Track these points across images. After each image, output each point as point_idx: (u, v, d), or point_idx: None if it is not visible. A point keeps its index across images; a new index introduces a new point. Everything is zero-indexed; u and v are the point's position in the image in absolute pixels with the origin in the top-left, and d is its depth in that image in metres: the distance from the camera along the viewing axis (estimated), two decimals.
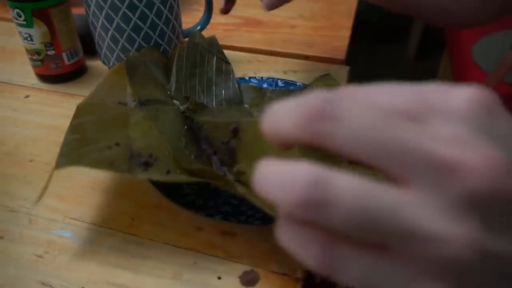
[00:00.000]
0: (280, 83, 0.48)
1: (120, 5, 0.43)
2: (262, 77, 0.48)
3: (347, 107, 0.14)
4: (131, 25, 0.44)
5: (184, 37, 0.52)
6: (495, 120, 0.14)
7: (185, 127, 0.38)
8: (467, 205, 0.13)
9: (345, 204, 0.13)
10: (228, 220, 0.33)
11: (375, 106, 0.14)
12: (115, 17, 0.44)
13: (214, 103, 0.44)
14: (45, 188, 0.30)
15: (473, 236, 0.13)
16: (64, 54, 0.49)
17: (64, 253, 0.31)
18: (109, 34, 0.45)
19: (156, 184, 0.33)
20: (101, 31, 0.46)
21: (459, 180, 0.13)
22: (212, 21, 0.54)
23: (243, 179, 0.33)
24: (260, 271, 0.30)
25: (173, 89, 0.43)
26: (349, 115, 0.14)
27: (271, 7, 0.41)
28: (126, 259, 0.31)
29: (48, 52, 0.48)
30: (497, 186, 0.13)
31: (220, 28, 0.64)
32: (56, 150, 0.41)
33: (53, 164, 0.39)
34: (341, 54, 0.57)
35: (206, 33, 0.56)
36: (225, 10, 0.47)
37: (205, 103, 0.43)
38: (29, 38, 0.47)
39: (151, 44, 0.46)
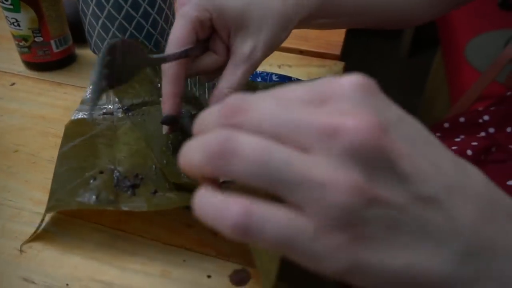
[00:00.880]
0: (274, 78, 0.47)
1: None
2: (256, 71, 0.47)
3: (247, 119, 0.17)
4: (122, 13, 0.43)
5: None
6: (373, 97, 0.17)
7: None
8: (349, 157, 0.15)
9: (246, 154, 0.16)
10: None
11: (278, 98, 0.17)
12: (106, 4, 0.42)
13: (206, 96, 0.43)
14: (36, 231, 0.31)
15: (355, 183, 0.15)
16: (52, 42, 0.48)
17: (49, 248, 0.30)
18: (100, 22, 0.44)
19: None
20: (92, 19, 0.44)
21: (341, 138, 0.15)
22: None
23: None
24: (251, 270, 0.29)
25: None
26: (253, 113, 0.17)
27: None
28: (114, 255, 0.30)
29: (36, 39, 0.47)
30: (373, 142, 0.15)
31: None
32: (43, 140, 0.40)
33: (39, 154, 0.38)
34: (337, 50, 0.56)
35: None
36: (170, 131, 0.35)
37: (197, 96, 0.42)
38: (16, 23, 0.45)
39: (143, 34, 0.45)
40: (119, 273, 0.29)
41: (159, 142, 0.35)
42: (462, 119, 0.59)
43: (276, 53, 0.56)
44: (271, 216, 0.16)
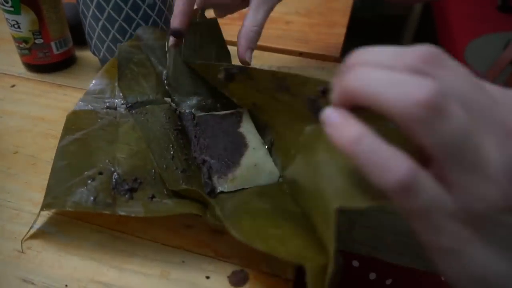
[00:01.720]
0: None
1: None
2: None
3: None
4: (122, 15, 0.43)
5: None
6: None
7: (177, 130, 0.37)
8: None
9: (455, 121, 0.17)
10: None
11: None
12: (106, 6, 0.43)
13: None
14: (32, 226, 0.31)
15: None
16: (52, 43, 0.48)
17: (48, 249, 0.30)
18: (100, 24, 0.44)
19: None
20: (92, 21, 0.44)
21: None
22: (206, 13, 0.53)
23: (234, 183, 0.33)
24: (249, 271, 0.29)
25: (170, 74, 0.42)
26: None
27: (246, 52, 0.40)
28: (112, 256, 0.30)
29: (36, 41, 0.47)
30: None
31: None
32: (42, 141, 0.40)
33: (38, 156, 0.38)
34: (336, 52, 0.56)
35: None
36: (174, 45, 0.41)
37: (201, 94, 0.42)
38: (16, 26, 0.46)
39: None
40: (118, 274, 0.29)
41: (160, 145, 0.35)
42: None
43: (275, 54, 0.56)
44: (428, 185, 0.17)
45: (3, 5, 0.44)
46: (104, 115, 0.38)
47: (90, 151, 0.34)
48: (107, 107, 0.38)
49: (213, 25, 0.45)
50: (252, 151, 0.35)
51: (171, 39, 0.40)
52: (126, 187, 0.32)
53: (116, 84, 0.40)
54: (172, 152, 0.35)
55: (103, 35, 0.45)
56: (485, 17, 1.08)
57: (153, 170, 0.33)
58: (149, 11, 0.44)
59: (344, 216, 0.24)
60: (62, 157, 0.33)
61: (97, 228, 0.32)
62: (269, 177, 0.34)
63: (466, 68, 0.19)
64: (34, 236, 0.31)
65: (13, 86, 0.48)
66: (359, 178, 0.21)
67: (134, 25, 0.44)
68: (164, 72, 0.43)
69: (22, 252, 0.30)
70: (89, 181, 0.31)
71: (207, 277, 0.29)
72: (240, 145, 0.36)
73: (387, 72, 0.18)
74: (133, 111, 0.38)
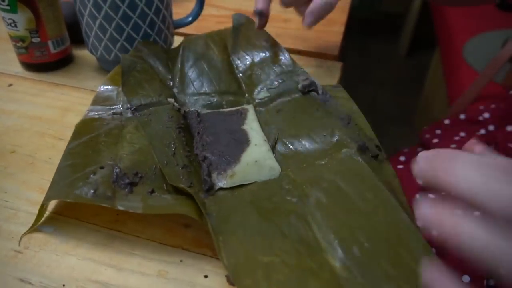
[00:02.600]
0: None
1: None
2: None
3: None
4: (119, 14, 0.43)
5: (175, 28, 0.51)
6: None
7: (180, 128, 0.37)
8: None
9: None
10: None
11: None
12: (103, 5, 0.42)
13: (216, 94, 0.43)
14: (35, 223, 0.31)
15: None
16: (50, 42, 0.48)
17: (45, 248, 0.30)
18: (97, 22, 0.44)
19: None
20: (89, 19, 0.44)
21: None
22: (204, 12, 0.53)
23: (233, 179, 0.33)
24: None
25: (177, 79, 0.43)
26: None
27: (312, 24, 0.44)
28: (110, 255, 0.30)
29: (33, 40, 0.47)
30: None
31: (212, 20, 0.63)
32: (40, 141, 0.40)
33: (36, 155, 0.38)
34: (334, 50, 0.56)
35: (198, 24, 0.54)
36: (260, 26, 0.46)
37: (208, 92, 0.43)
38: (13, 24, 0.45)
39: (140, 34, 0.45)
40: (116, 274, 0.29)
41: (161, 142, 0.35)
42: (462, 116, 0.59)
43: None
44: None
45: (0, 3, 0.44)
46: (111, 120, 0.38)
47: (94, 150, 0.34)
48: (113, 113, 0.39)
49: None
50: (253, 147, 0.35)
51: (257, 20, 0.44)
52: (127, 181, 0.32)
53: (120, 89, 0.40)
54: (173, 149, 0.35)
55: (100, 34, 0.45)
56: (483, 15, 1.08)
57: (154, 166, 0.33)
58: (146, 10, 0.44)
59: None
60: (67, 158, 0.34)
61: (94, 228, 0.32)
62: (270, 173, 0.34)
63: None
64: (32, 235, 0.31)
65: (10, 85, 0.47)
66: None
67: (131, 23, 0.44)
68: (169, 76, 0.43)
69: (19, 252, 0.30)
70: (91, 175, 0.32)
71: (205, 276, 0.29)
72: (242, 142, 0.36)
73: (483, 175, 0.18)
74: (137, 114, 0.38)
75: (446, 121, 0.60)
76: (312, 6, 0.43)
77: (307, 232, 0.28)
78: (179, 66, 0.44)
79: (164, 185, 0.32)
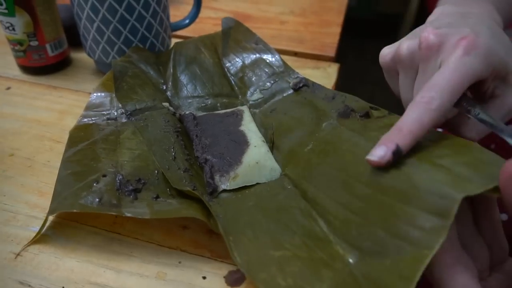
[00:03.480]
0: None
1: None
2: None
3: None
4: (117, 17, 0.43)
5: (172, 31, 0.51)
6: None
7: (177, 132, 0.37)
8: None
9: None
10: None
11: None
12: (101, 8, 0.43)
13: (209, 97, 0.43)
14: (39, 233, 0.31)
15: None
16: (47, 45, 0.48)
17: (44, 251, 0.30)
18: (95, 25, 0.44)
19: None
20: (87, 23, 0.44)
21: None
22: (201, 14, 0.53)
23: (236, 181, 0.33)
24: None
25: (170, 83, 0.43)
26: None
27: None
28: (109, 258, 0.30)
29: (31, 43, 0.47)
30: None
31: (209, 22, 0.64)
32: (38, 144, 0.40)
33: (34, 158, 0.38)
34: (331, 51, 0.56)
35: (195, 27, 0.55)
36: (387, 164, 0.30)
37: (202, 95, 0.43)
38: (11, 28, 0.46)
39: (138, 37, 0.45)
40: (115, 276, 0.29)
41: (161, 147, 0.35)
42: None
43: None
44: None
45: None
46: (105, 126, 0.38)
47: (94, 158, 0.34)
48: (108, 119, 0.39)
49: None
50: (253, 148, 0.35)
51: (387, 157, 0.26)
52: (131, 187, 0.32)
53: (114, 95, 0.40)
54: (173, 153, 0.35)
55: (98, 37, 0.45)
56: None
57: (156, 171, 0.34)
58: (143, 13, 0.44)
59: None
60: (66, 167, 0.33)
61: (93, 230, 0.32)
62: (271, 174, 0.34)
63: None
64: (31, 238, 0.31)
65: (8, 88, 0.48)
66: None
67: (128, 26, 0.44)
68: (161, 80, 0.43)
69: (19, 255, 0.30)
70: (94, 184, 0.32)
71: (204, 278, 0.29)
72: (241, 143, 0.36)
73: None
74: (133, 119, 0.38)
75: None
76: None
77: (314, 227, 0.28)
78: (171, 70, 0.45)
79: (168, 189, 0.32)
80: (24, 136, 0.41)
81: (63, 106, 0.45)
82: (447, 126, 0.31)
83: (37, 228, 0.31)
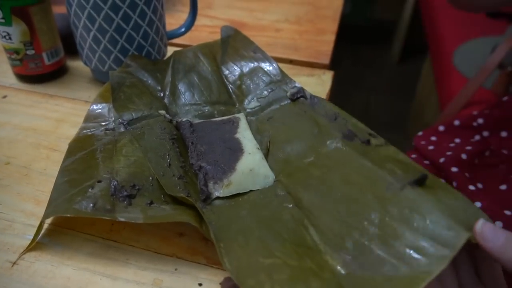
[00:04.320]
0: None
1: (102, 5, 0.42)
2: None
3: None
4: (113, 26, 0.44)
5: (168, 39, 0.51)
6: None
7: (173, 139, 0.38)
8: None
9: None
10: None
11: None
12: (97, 17, 0.43)
13: (208, 105, 0.44)
14: (34, 239, 0.31)
15: None
16: (44, 54, 0.48)
17: (41, 259, 0.30)
18: (91, 34, 0.44)
19: None
20: (83, 32, 0.45)
21: None
22: (197, 23, 0.53)
23: (229, 188, 0.34)
24: None
25: (168, 91, 0.44)
26: None
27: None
28: (105, 265, 0.30)
29: (28, 52, 0.47)
30: None
31: (205, 30, 0.64)
32: (34, 152, 0.40)
33: (30, 167, 0.38)
34: (326, 59, 0.57)
35: (191, 35, 0.55)
36: None
37: (199, 102, 0.44)
38: (7, 37, 0.46)
39: (134, 46, 0.46)
40: (111, 283, 0.29)
41: (156, 154, 0.35)
42: (457, 122, 0.60)
43: None
44: None
45: None
46: (103, 136, 0.38)
47: (90, 166, 0.35)
48: (106, 129, 0.39)
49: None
50: (247, 156, 0.36)
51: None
52: (125, 193, 0.32)
53: (111, 106, 0.41)
54: (168, 160, 0.35)
55: (94, 46, 0.45)
56: (472, 22, 1.10)
57: (150, 177, 0.34)
58: (140, 22, 0.45)
59: None
60: (64, 175, 0.34)
61: (90, 238, 0.32)
62: (264, 181, 0.35)
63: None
64: (27, 247, 0.31)
65: (4, 97, 0.48)
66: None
67: (125, 35, 0.45)
68: (159, 87, 0.44)
69: (15, 263, 0.30)
70: (89, 190, 0.32)
71: (200, 284, 0.29)
72: (236, 151, 0.36)
73: None
74: (130, 128, 0.38)
75: (441, 128, 0.61)
76: None
77: (305, 235, 0.29)
78: (170, 78, 0.45)
79: (162, 196, 0.33)
80: (20, 144, 0.41)
81: (60, 114, 0.45)
82: None
83: (33, 236, 0.32)
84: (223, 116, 0.42)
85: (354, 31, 2.22)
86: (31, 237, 0.31)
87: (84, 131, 0.39)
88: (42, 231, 0.32)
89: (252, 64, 0.45)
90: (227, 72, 0.46)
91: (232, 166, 0.35)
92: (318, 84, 0.51)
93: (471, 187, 0.48)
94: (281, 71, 0.44)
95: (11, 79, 0.51)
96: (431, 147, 0.57)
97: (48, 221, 0.33)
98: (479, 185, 0.49)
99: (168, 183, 0.33)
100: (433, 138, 0.61)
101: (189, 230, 0.33)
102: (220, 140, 0.38)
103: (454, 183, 0.49)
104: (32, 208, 0.34)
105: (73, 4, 0.43)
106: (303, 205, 0.31)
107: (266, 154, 0.37)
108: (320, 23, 0.67)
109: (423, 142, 0.60)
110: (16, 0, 0.43)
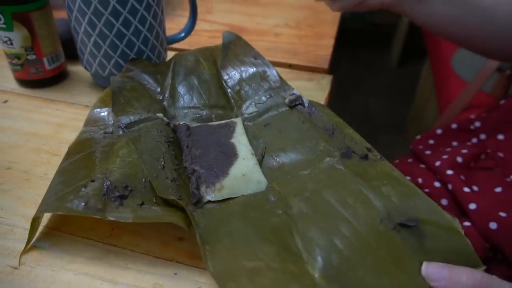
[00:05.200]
0: None
1: (103, 10, 0.43)
2: None
3: None
4: (114, 31, 0.44)
5: (168, 44, 0.52)
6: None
7: (169, 142, 0.38)
8: None
9: None
10: None
11: None
12: (98, 23, 0.43)
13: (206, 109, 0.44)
14: (30, 238, 0.32)
15: None
16: (45, 59, 0.49)
17: (41, 264, 0.30)
18: (92, 40, 0.45)
19: None
20: (84, 37, 0.45)
21: None
22: (196, 27, 0.54)
23: (221, 193, 0.34)
24: None
25: (167, 93, 0.44)
26: None
27: (338, 9, 0.46)
28: (106, 270, 0.30)
29: (29, 57, 0.48)
30: None
31: (204, 34, 0.64)
32: (35, 157, 0.40)
33: (31, 171, 0.39)
34: (325, 63, 0.57)
35: (190, 39, 0.56)
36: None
37: (198, 106, 0.44)
38: (8, 42, 0.46)
39: (134, 51, 0.46)
40: (111, 287, 0.29)
41: (151, 156, 0.36)
42: (454, 126, 0.61)
43: None
44: None
45: None
46: (102, 139, 0.39)
47: (86, 166, 0.35)
48: (105, 133, 0.39)
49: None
50: (241, 161, 0.36)
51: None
52: (117, 194, 0.32)
53: (111, 110, 0.41)
54: (162, 163, 0.35)
55: (95, 51, 0.46)
56: None
57: (143, 179, 0.34)
58: (140, 27, 0.45)
59: None
60: (60, 175, 0.34)
61: (90, 242, 0.32)
62: (257, 186, 0.35)
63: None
64: (28, 251, 0.31)
65: (5, 101, 0.48)
66: None
67: (125, 40, 0.45)
68: (158, 89, 0.44)
69: (16, 268, 0.30)
70: (82, 189, 0.32)
71: None
72: (230, 155, 0.37)
73: None
74: (128, 131, 0.39)
75: (438, 131, 0.62)
76: None
77: (290, 242, 0.29)
78: (170, 80, 0.45)
79: (154, 198, 0.33)
80: (21, 149, 0.41)
81: (60, 119, 0.46)
82: None
83: (34, 242, 0.32)
84: (220, 120, 0.42)
85: (354, 35, 2.22)
86: (32, 242, 0.32)
87: (84, 135, 0.39)
88: (43, 237, 0.32)
89: (252, 70, 0.46)
90: (226, 76, 0.46)
91: (225, 171, 0.35)
92: (317, 89, 0.52)
93: (466, 189, 0.48)
94: (280, 77, 0.44)
95: (12, 84, 0.51)
96: (428, 152, 0.57)
97: (48, 225, 0.33)
98: (475, 188, 0.50)
99: (160, 185, 0.33)
100: (431, 142, 0.61)
101: (188, 235, 0.33)
102: (215, 144, 0.38)
103: (450, 186, 0.50)
104: (32, 212, 0.34)
105: (74, 9, 0.44)
106: (293, 214, 0.31)
107: (261, 160, 0.38)
108: (319, 28, 0.68)
109: (420, 147, 0.60)
110: (18, 6, 0.44)
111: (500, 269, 0.45)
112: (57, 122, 0.45)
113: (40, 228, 0.33)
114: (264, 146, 0.39)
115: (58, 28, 0.50)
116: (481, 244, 0.44)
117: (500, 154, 0.53)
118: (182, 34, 0.53)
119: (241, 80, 0.45)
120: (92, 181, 0.33)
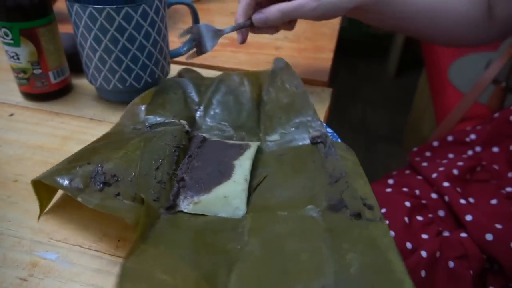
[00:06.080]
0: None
1: (109, 27, 0.44)
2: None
3: None
4: (119, 46, 0.45)
5: (171, 58, 0.53)
6: None
7: (177, 147, 0.39)
8: None
9: None
10: None
11: None
12: (103, 38, 0.45)
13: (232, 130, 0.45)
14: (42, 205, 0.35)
15: None
16: (50, 73, 0.50)
17: (49, 276, 0.31)
18: (97, 55, 0.46)
19: None
20: (89, 52, 0.46)
21: None
22: None
23: (195, 207, 0.34)
24: None
25: (203, 105, 0.47)
26: None
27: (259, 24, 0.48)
28: (113, 282, 0.31)
29: (35, 71, 0.49)
30: None
31: None
32: (41, 169, 0.41)
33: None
34: (324, 76, 0.59)
35: None
36: (242, 40, 0.51)
37: (225, 123, 0.46)
38: (15, 57, 0.47)
39: (139, 65, 0.47)
40: None
41: (152, 155, 0.36)
42: (450, 138, 0.62)
43: None
44: None
45: (4, 38, 0.46)
46: (129, 134, 0.41)
47: (95, 152, 0.37)
48: (134, 129, 0.42)
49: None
50: (231, 183, 0.35)
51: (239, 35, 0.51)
52: (102, 179, 0.33)
53: (144, 108, 0.44)
54: (159, 164, 0.36)
55: (100, 65, 0.47)
56: None
57: (133, 173, 0.35)
58: (144, 42, 0.46)
59: None
60: (73, 155, 0.37)
61: (97, 254, 0.33)
62: (234, 212, 0.34)
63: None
64: (36, 263, 0.32)
65: (11, 115, 0.49)
66: None
67: (130, 55, 0.46)
68: (197, 100, 0.47)
69: (24, 279, 0.31)
70: (77, 168, 0.34)
71: None
72: (224, 175, 0.36)
73: None
74: (150, 131, 0.41)
75: (435, 143, 0.63)
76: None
77: (220, 278, 0.27)
78: (209, 94, 0.48)
79: (135, 193, 0.33)
80: (28, 162, 0.42)
81: (66, 132, 0.46)
82: None
83: (41, 253, 0.32)
84: (241, 141, 0.43)
85: (351, 45, 2.25)
86: (40, 254, 0.32)
87: (117, 127, 0.42)
88: (51, 248, 0.33)
89: (291, 100, 0.45)
90: (266, 101, 0.47)
91: (209, 188, 0.35)
92: (318, 102, 0.53)
93: (462, 201, 0.49)
94: (315, 111, 0.43)
95: (17, 97, 0.52)
96: (425, 164, 0.58)
97: (56, 237, 0.34)
98: (471, 200, 0.51)
99: (144, 183, 0.34)
100: (428, 154, 0.62)
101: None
102: (216, 161, 0.38)
103: (446, 198, 0.51)
104: (39, 225, 0.35)
105: (80, 26, 0.45)
106: (246, 250, 0.29)
107: (255, 187, 0.37)
108: (318, 41, 0.69)
109: (417, 159, 0.61)
110: (25, 22, 0.45)
111: (497, 280, 0.46)
112: (62, 135, 0.46)
113: (47, 239, 0.34)
114: (264, 175, 0.38)
115: (63, 43, 0.51)
116: (478, 255, 0.45)
117: (495, 167, 0.54)
118: (185, 48, 0.54)
119: (276, 108, 0.46)
120: (89, 163, 0.35)
